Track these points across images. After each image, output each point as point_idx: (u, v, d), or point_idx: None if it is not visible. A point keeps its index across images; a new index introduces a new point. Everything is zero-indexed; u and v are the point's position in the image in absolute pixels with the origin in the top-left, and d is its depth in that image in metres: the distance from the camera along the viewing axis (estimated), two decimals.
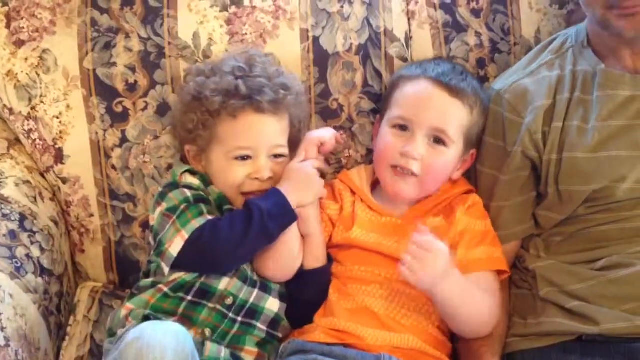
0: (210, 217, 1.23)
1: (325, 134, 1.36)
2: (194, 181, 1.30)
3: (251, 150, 1.28)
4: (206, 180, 1.31)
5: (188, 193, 1.26)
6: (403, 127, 1.31)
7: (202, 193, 1.28)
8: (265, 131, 1.28)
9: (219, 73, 1.30)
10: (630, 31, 1.24)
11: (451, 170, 1.35)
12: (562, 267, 1.29)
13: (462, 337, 1.29)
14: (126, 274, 1.48)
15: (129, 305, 1.24)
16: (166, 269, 1.23)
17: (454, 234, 1.30)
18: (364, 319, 1.24)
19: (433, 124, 1.30)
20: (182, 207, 1.25)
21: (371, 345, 1.21)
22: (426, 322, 1.26)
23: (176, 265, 1.23)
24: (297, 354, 1.20)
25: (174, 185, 1.29)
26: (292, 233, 1.26)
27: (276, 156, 1.30)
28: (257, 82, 1.28)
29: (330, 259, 1.31)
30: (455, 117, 1.31)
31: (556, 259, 1.30)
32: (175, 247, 1.22)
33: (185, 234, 1.21)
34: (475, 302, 1.24)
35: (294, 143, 1.36)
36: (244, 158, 1.28)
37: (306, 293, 1.28)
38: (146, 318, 1.20)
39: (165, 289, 1.23)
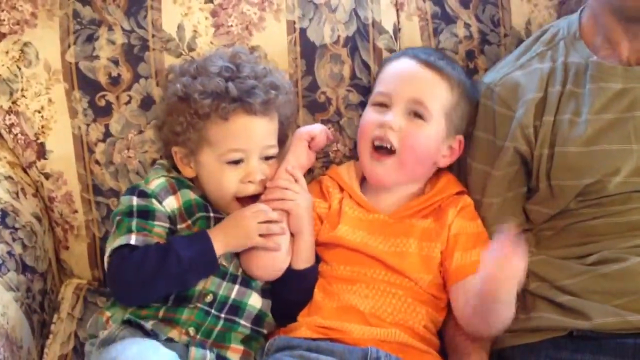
0: (134, 238, 1.20)
1: (315, 129, 1.35)
2: (157, 184, 1.26)
3: (243, 152, 1.25)
4: (182, 183, 1.29)
5: (134, 202, 1.24)
6: (383, 104, 1.31)
7: (152, 203, 1.24)
8: (257, 132, 1.26)
9: (205, 73, 1.27)
10: None
11: (433, 152, 1.32)
12: (553, 262, 1.27)
13: (454, 335, 1.27)
14: None
15: (108, 313, 1.22)
16: None
17: (446, 236, 1.28)
18: (349, 316, 1.23)
19: (411, 95, 1.30)
20: (118, 218, 1.24)
21: (357, 339, 1.20)
22: (412, 321, 1.25)
23: None
24: (283, 350, 1.18)
25: (131, 190, 1.27)
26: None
27: (267, 158, 1.29)
28: (248, 83, 1.26)
29: (317, 259, 1.29)
30: (434, 91, 1.31)
31: (547, 253, 1.29)
32: (105, 257, 1.23)
33: (107, 253, 1.22)
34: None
35: (281, 140, 1.34)
36: (236, 162, 1.25)
37: (293, 293, 1.26)
38: (127, 322, 1.18)
39: None
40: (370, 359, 1.17)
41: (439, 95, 1.31)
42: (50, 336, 1.36)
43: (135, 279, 1.18)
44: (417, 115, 1.30)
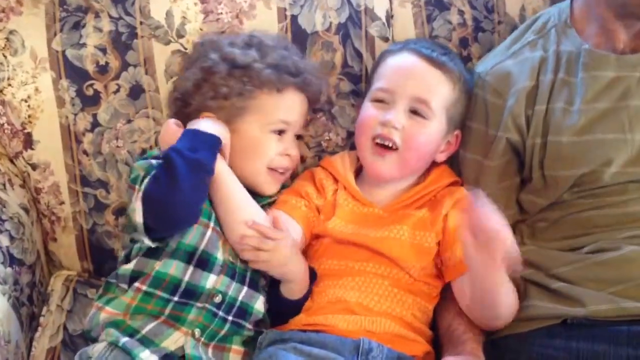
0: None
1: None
2: None
3: (289, 125, 1.30)
4: None
5: (154, 162, 1.21)
6: (384, 100, 1.29)
7: None
8: (301, 110, 1.32)
9: (262, 48, 1.30)
10: None
11: (434, 149, 1.31)
12: (547, 252, 1.27)
13: (450, 324, 1.26)
14: (101, 262, 1.44)
15: (109, 309, 1.19)
16: (146, 240, 1.17)
17: (441, 227, 1.27)
18: (334, 307, 1.22)
19: (415, 93, 1.27)
20: (143, 174, 1.19)
21: (343, 330, 1.19)
22: (400, 309, 1.23)
23: (149, 231, 1.17)
24: (275, 344, 1.18)
25: (143, 158, 1.25)
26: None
27: (297, 137, 1.34)
28: (301, 63, 1.32)
29: (314, 275, 1.26)
30: (437, 88, 1.29)
31: (541, 245, 1.28)
32: (138, 213, 1.16)
33: (140, 195, 1.16)
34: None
35: None
36: (280, 132, 1.29)
37: (288, 313, 1.25)
38: (117, 346, 1.15)
39: (144, 287, 1.18)
40: (362, 350, 1.16)
41: (441, 93, 1.29)
42: (39, 329, 1.34)
43: (166, 192, 1.14)
44: (419, 113, 1.28)
